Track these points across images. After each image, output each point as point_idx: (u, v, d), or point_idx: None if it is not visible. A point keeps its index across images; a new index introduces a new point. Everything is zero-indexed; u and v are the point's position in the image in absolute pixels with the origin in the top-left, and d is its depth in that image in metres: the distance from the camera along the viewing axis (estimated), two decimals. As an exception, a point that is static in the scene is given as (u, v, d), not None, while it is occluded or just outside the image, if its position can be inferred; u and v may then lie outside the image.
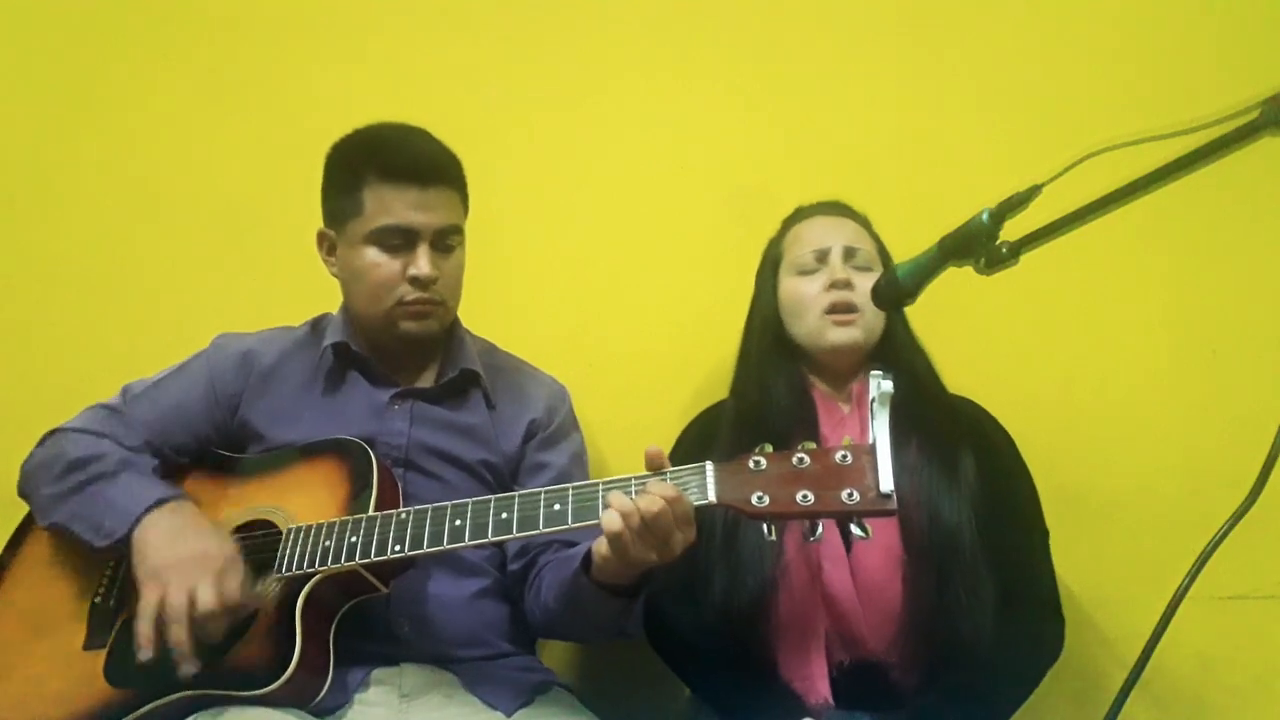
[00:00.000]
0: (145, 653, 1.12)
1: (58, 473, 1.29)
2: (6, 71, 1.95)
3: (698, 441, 1.45)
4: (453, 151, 1.38)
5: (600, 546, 1.12)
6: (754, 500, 1.04)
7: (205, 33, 1.94)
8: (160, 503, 1.22)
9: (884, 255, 1.45)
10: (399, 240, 1.32)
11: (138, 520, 1.20)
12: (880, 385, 1.03)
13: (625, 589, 1.19)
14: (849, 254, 1.42)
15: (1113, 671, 1.62)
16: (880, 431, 1.01)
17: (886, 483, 1.00)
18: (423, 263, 1.32)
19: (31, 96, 1.94)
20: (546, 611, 1.31)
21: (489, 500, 1.16)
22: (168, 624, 1.12)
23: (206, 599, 1.12)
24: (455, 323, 1.46)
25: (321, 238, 1.41)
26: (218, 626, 1.14)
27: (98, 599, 1.28)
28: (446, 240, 1.36)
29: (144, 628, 1.12)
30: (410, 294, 1.33)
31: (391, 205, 1.31)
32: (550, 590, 1.30)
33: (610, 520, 1.07)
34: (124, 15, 1.95)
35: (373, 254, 1.33)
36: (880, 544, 1.30)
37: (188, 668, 1.11)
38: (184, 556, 1.15)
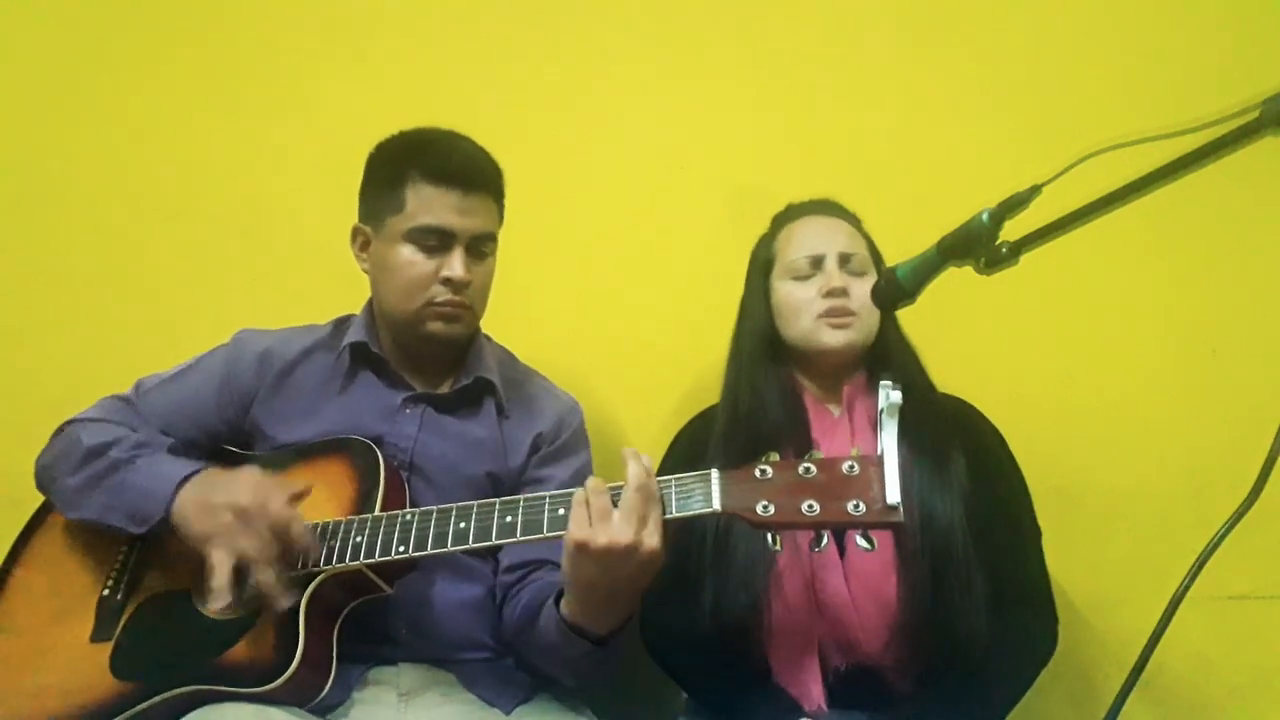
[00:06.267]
0: (220, 604, 1.14)
1: (75, 463, 1.30)
2: (25, 73, 1.96)
3: (691, 445, 1.45)
4: (496, 161, 1.39)
5: (564, 565, 1.11)
6: (759, 509, 1.03)
7: (215, 33, 1.95)
8: (186, 479, 1.23)
9: (875, 255, 1.45)
10: (435, 241, 1.33)
11: (172, 499, 1.21)
12: (889, 396, 1.02)
13: (591, 634, 1.17)
14: (844, 260, 1.40)
15: (1112, 672, 1.62)
16: (888, 442, 1.00)
17: (893, 494, 0.99)
18: (457, 265, 1.32)
19: (43, 97, 1.95)
20: (518, 629, 1.30)
21: (494, 503, 1.16)
22: (253, 571, 1.14)
23: (262, 545, 1.14)
24: (476, 330, 1.46)
25: (356, 233, 1.41)
26: (304, 554, 1.18)
27: (106, 591, 1.28)
28: (481, 246, 1.36)
29: (218, 584, 1.14)
30: (441, 295, 1.34)
31: (433, 205, 1.32)
32: (528, 610, 1.29)
33: (575, 517, 1.07)
34: (137, 13, 1.95)
35: (408, 252, 1.33)
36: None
37: (287, 600, 1.15)
38: (228, 515, 1.16)
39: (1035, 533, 1.39)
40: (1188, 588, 0.86)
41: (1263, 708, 1.62)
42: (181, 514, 1.20)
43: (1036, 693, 1.28)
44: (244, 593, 1.16)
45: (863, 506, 1.00)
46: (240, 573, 1.16)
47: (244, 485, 1.19)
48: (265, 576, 1.14)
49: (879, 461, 1.01)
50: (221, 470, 1.26)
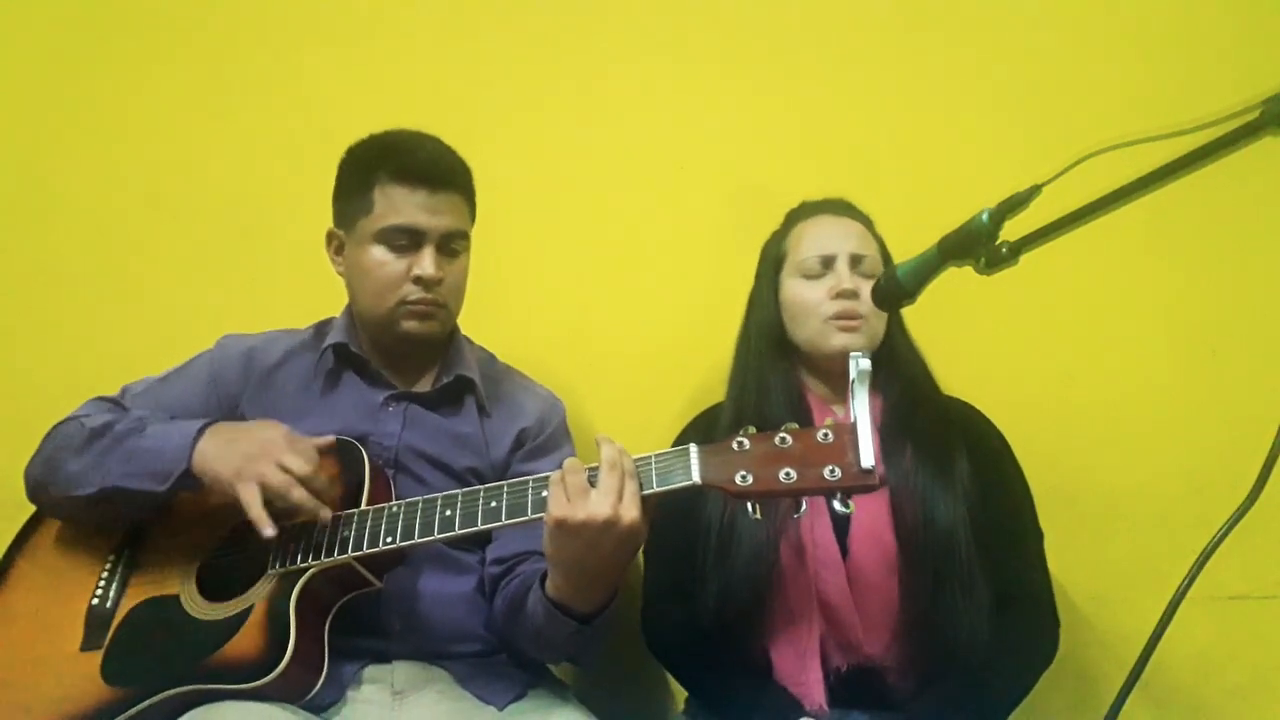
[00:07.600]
0: (270, 530, 1.17)
1: (80, 444, 1.29)
2: (25, 73, 1.95)
3: (699, 440, 1.45)
4: (464, 160, 1.40)
5: (545, 545, 1.13)
6: (738, 480, 1.06)
7: (209, 33, 1.95)
8: (201, 431, 1.24)
9: (886, 257, 1.44)
10: (405, 240, 1.34)
11: (193, 450, 1.22)
12: (859, 364, 1.04)
13: (576, 613, 1.18)
14: (855, 261, 1.40)
15: (1112, 672, 1.62)
16: (860, 409, 1.03)
17: (867, 458, 1.01)
18: (427, 263, 1.34)
19: (36, 97, 1.95)
20: (506, 617, 1.31)
21: (478, 490, 1.18)
22: (283, 496, 1.17)
23: (297, 463, 1.18)
24: (455, 329, 1.47)
25: (330, 237, 1.43)
26: (317, 486, 1.20)
27: (94, 600, 1.28)
28: (452, 244, 1.38)
29: (256, 514, 1.17)
30: (414, 294, 1.35)
31: (401, 206, 1.33)
32: (515, 596, 1.29)
33: (553, 496, 1.09)
34: (129, 14, 1.95)
35: (379, 253, 1.35)
36: (875, 548, 1.30)
37: (325, 513, 1.19)
38: (254, 449, 1.20)
39: (1037, 536, 1.39)
40: (1188, 588, 0.86)
41: (1263, 708, 1.62)
42: (204, 462, 1.21)
43: (1036, 692, 1.28)
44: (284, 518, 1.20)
45: (838, 471, 1.03)
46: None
47: (268, 427, 1.23)
48: (299, 494, 1.17)
49: (852, 428, 1.03)
50: (236, 422, 1.30)
